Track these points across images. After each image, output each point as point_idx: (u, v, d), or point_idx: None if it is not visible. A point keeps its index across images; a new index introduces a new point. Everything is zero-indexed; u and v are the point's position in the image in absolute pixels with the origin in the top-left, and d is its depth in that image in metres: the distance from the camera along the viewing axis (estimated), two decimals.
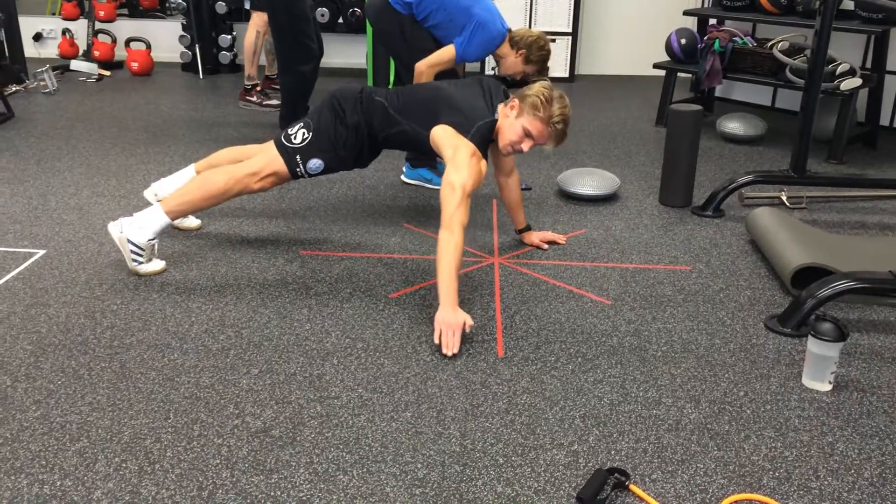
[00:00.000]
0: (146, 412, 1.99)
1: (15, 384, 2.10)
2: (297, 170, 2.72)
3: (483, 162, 2.57)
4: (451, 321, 2.29)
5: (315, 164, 2.72)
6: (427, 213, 3.37)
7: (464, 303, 2.57)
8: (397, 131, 2.73)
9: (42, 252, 2.89)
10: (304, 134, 2.72)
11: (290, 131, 2.75)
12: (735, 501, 1.73)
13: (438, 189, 3.65)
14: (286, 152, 2.72)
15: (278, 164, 2.71)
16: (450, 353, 2.26)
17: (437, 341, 2.29)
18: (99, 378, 2.13)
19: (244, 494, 1.72)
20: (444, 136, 2.58)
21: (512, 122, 2.63)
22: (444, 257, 2.36)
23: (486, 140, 2.63)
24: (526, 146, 2.63)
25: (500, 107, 2.69)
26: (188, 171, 3.08)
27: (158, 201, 2.78)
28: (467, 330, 2.30)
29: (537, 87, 2.62)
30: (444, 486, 1.76)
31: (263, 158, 2.74)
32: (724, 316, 2.54)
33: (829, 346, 2.10)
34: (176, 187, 2.97)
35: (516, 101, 2.63)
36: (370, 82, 5.50)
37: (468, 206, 2.46)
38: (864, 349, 2.36)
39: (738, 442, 1.92)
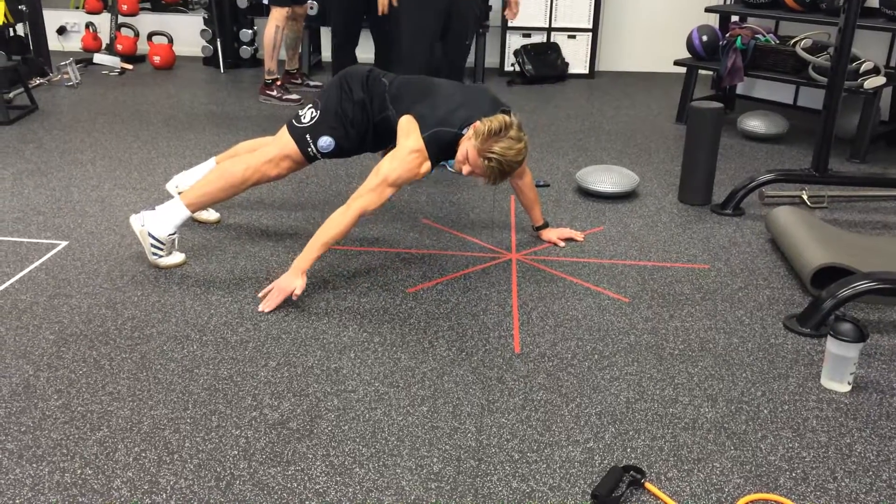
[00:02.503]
0: (165, 403, 2.01)
1: (37, 373, 2.13)
2: (309, 150, 2.74)
3: (426, 164, 2.54)
4: (283, 284, 2.49)
5: (325, 141, 2.73)
6: (445, 208, 3.37)
7: (481, 298, 2.58)
8: (384, 117, 2.72)
9: (64, 243, 2.93)
10: (312, 113, 2.75)
11: (299, 113, 2.78)
12: (751, 501, 1.72)
13: (455, 172, 3.72)
14: (296, 133, 2.74)
15: (290, 147, 2.73)
16: (261, 309, 2.47)
17: (260, 295, 2.52)
18: (119, 368, 2.16)
19: (261, 486, 1.73)
20: (403, 126, 2.60)
21: (464, 141, 2.53)
22: (324, 228, 2.50)
23: (442, 147, 2.57)
24: (465, 170, 2.52)
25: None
26: (209, 164, 3.10)
27: (179, 194, 2.80)
28: (293, 297, 2.48)
29: (498, 118, 2.45)
30: (460, 480, 1.76)
31: (277, 144, 2.77)
32: (742, 315, 2.52)
33: (849, 347, 2.08)
34: (198, 178, 3.00)
35: (478, 123, 2.48)
36: None
37: (383, 195, 2.52)
38: (885, 350, 2.34)
39: (755, 442, 1.91)
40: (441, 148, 2.58)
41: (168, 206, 2.72)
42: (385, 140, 2.88)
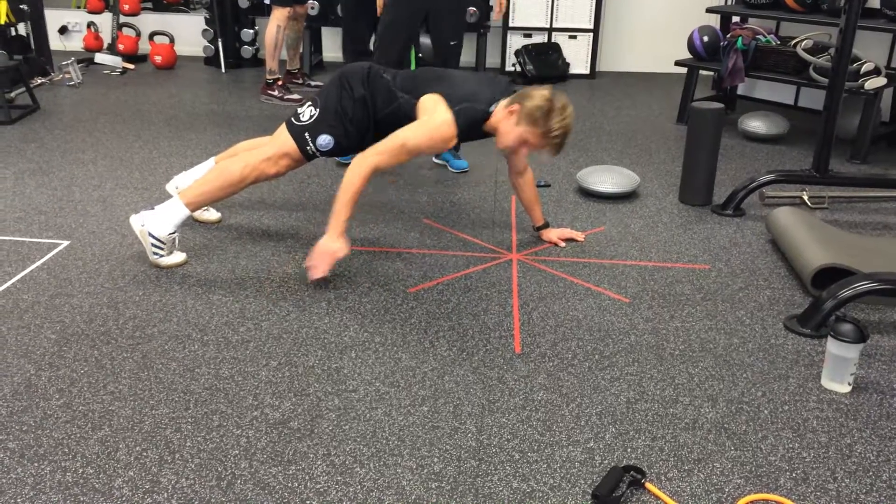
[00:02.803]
0: (167, 402, 2.02)
1: (39, 372, 2.13)
2: (308, 148, 2.74)
3: (453, 139, 2.58)
4: (325, 249, 2.54)
5: (324, 140, 2.73)
6: (446, 209, 3.38)
7: (482, 298, 2.58)
8: (395, 107, 2.71)
9: (66, 243, 2.93)
10: (311, 111, 2.74)
11: (298, 110, 2.78)
12: (752, 501, 1.72)
13: (457, 172, 3.73)
14: (295, 131, 2.74)
15: (289, 144, 2.73)
16: (313, 277, 2.54)
17: (306, 264, 2.56)
18: (121, 368, 2.16)
19: (262, 485, 1.74)
20: (427, 103, 2.62)
21: (511, 127, 2.59)
22: (343, 188, 2.56)
23: (470, 123, 2.61)
24: (523, 153, 2.64)
25: (502, 104, 2.63)
26: (209, 164, 3.11)
27: (178, 193, 2.81)
28: (337, 259, 2.55)
29: (538, 97, 2.55)
30: (460, 480, 1.77)
31: (275, 143, 2.77)
32: (742, 315, 2.53)
33: (849, 348, 2.09)
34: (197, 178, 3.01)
35: (517, 105, 2.58)
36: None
37: (398, 158, 2.58)
38: (885, 351, 2.34)
39: (756, 442, 1.92)
40: (469, 124, 2.61)
41: (167, 205, 2.72)
42: (397, 125, 2.86)
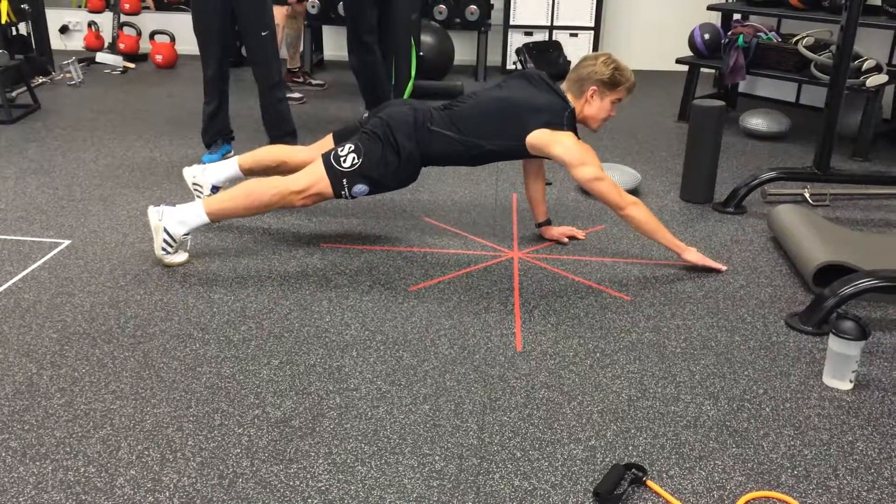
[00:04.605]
0: (168, 401, 2.02)
1: (40, 372, 2.13)
2: (342, 192, 2.73)
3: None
4: (698, 256, 2.79)
5: (360, 188, 2.73)
6: (447, 207, 3.37)
7: (483, 296, 2.58)
8: (481, 153, 2.78)
9: (67, 242, 2.94)
10: (353, 159, 2.70)
11: (340, 152, 2.72)
12: (753, 499, 1.72)
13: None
14: (334, 175, 2.70)
15: (324, 184, 2.70)
16: (724, 268, 2.80)
17: (719, 267, 2.80)
18: (122, 367, 2.16)
19: (264, 483, 1.74)
20: (544, 138, 2.71)
21: (599, 104, 2.80)
22: (649, 225, 2.73)
23: (574, 126, 2.77)
24: (612, 113, 2.87)
25: (570, 96, 2.81)
26: (231, 164, 3.08)
27: (194, 185, 2.83)
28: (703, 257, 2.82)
29: (601, 65, 2.77)
30: (462, 478, 1.77)
31: (310, 176, 2.71)
32: (744, 313, 2.52)
33: (851, 345, 2.08)
34: (216, 176, 3.05)
35: (594, 87, 2.77)
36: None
37: (611, 181, 2.72)
38: (886, 348, 2.34)
39: (757, 439, 1.91)
40: (573, 127, 2.79)
41: (188, 207, 2.72)
42: (484, 160, 2.92)
